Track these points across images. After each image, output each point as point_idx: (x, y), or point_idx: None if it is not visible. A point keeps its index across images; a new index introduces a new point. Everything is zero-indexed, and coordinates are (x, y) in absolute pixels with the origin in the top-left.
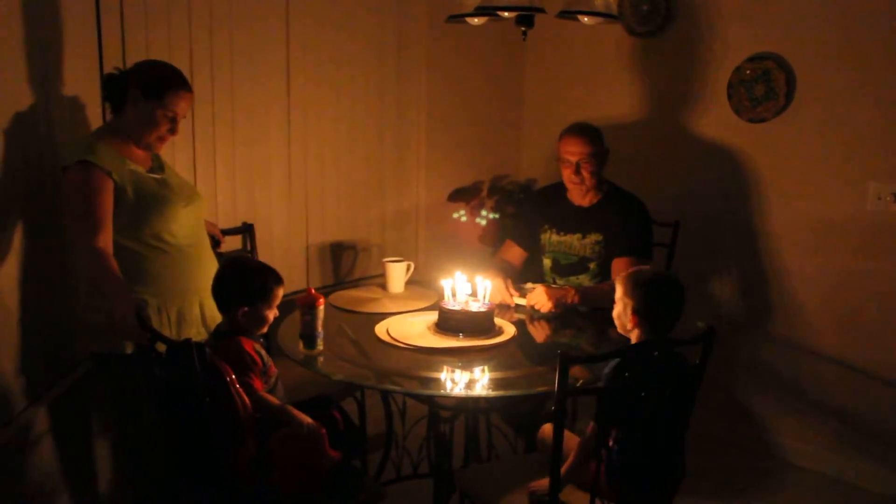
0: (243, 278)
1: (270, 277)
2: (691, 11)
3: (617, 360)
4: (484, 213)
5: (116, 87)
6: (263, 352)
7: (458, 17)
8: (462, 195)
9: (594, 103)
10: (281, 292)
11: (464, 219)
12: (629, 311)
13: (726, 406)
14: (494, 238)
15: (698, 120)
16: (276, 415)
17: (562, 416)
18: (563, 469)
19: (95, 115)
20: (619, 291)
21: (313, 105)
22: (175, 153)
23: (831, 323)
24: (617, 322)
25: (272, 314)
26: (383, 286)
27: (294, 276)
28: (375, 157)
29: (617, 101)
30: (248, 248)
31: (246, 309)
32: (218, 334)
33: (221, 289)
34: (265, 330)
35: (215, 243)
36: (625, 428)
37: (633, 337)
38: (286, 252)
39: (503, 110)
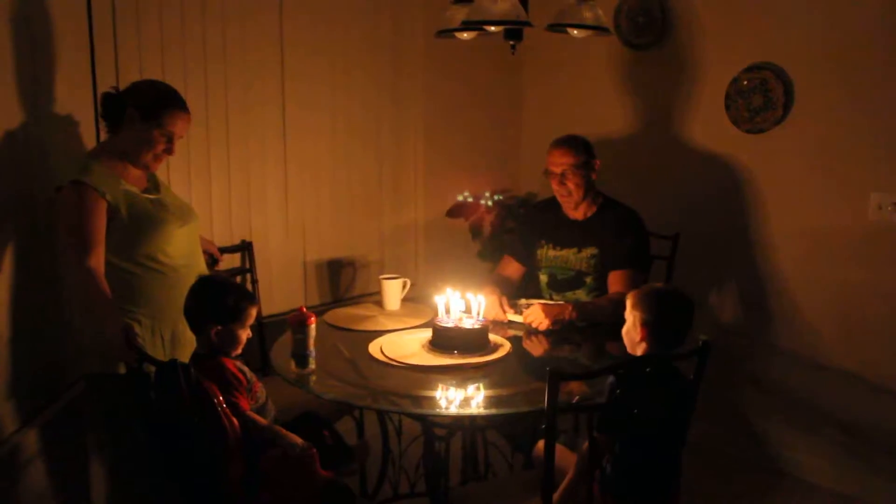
0: (216, 297)
1: (243, 297)
2: (687, 22)
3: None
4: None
5: (113, 107)
6: (246, 369)
7: (446, 33)
8: (462, 210)
9: (592, 116)
10: (254, 312)
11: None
12: (638, 324)
13: (731, 419)
14: (493, 251)
15: (696, 131)
16: (265, 434)
17: (553, 434)
18: (560, 492)
19: (89, 133)
20: (628, 306)
21: (309, 125)
22: (170, 172)
23: (835, 334)
24: (626, 339)
25: (245, 334)
26: (380, 303)
27: (291, 293)
28: (373, 174)
29: (615, 114)
30: (247, 265)
31: (219, 328)
32: (197, 356)
33: (194, 308)
34: (239, 350)
35: (213, 261)
36: (620, 444)
37: (640, 351)
38: (283, 269)
39: (502, 124)
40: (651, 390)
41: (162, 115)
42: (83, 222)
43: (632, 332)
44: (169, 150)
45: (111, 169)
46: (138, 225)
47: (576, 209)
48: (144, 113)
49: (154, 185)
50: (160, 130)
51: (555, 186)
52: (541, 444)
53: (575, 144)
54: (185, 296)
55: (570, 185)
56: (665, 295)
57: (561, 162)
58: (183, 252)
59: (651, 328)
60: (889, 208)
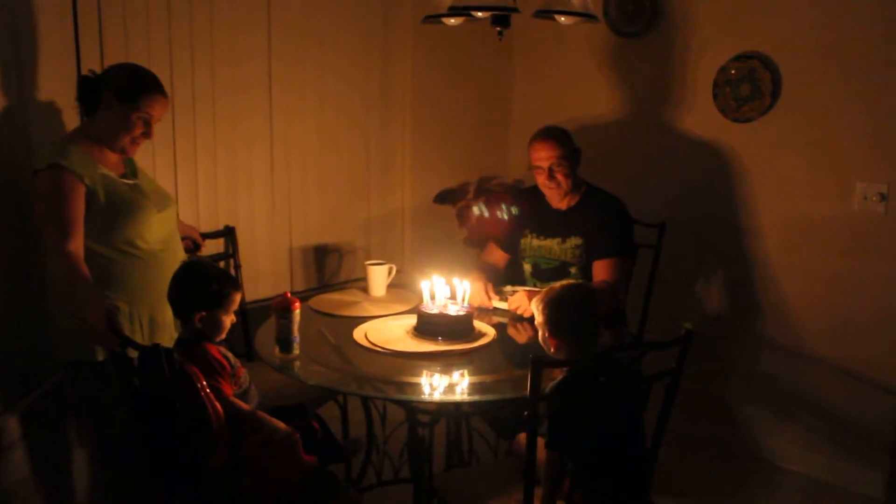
0: (200, 283)
1: (227, 283)
2: (676, 11)
3: (561, 378)
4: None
5: (90, 90)
6: (230, 355)
7: (433, 18)
8: (448, 196)
9: (581, 103)
10: (238, 298)
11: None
12: (547, 332)
13: (714, 408)
14: (481, 240)
15: (684, 120)
16: (247, 420)
17: (535, 422)
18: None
19: (72, 118)
20: (535, 318)
21: (296, 111)
22: (155, 157)
23: (819, 323)
24: (544, 347)
25: (229, 320)
26: (365, 289)
27: (278, 279)
28: (360, 160)
29: (603, 102)
30: (230, 251)
31: (203, 314)
32: (181, 342)
33: (178, 294)
34: (223, 336)
35: (195, 247)
36: (581, 445)
37: (562, 356)
38: (270, 255)
39: (490, 111)
40: (596, 395)
41: (139, 98)
42: (61, 206)
43: (546, 343)
44: (147, 134)
45: (88, 153)
46: (116, 210)
47: (562, 200)
48: (121, 96)
49: (131, 171)
50: (137, 114)
51: (542, 181)
52: (522, 436)
53: (558, 136)
54: (162, 281)
55: (560, 178)
56: (557, 298)
57: (547, 156)
58: (160, 237)
59: (558, 331)
60: (874, 198)
